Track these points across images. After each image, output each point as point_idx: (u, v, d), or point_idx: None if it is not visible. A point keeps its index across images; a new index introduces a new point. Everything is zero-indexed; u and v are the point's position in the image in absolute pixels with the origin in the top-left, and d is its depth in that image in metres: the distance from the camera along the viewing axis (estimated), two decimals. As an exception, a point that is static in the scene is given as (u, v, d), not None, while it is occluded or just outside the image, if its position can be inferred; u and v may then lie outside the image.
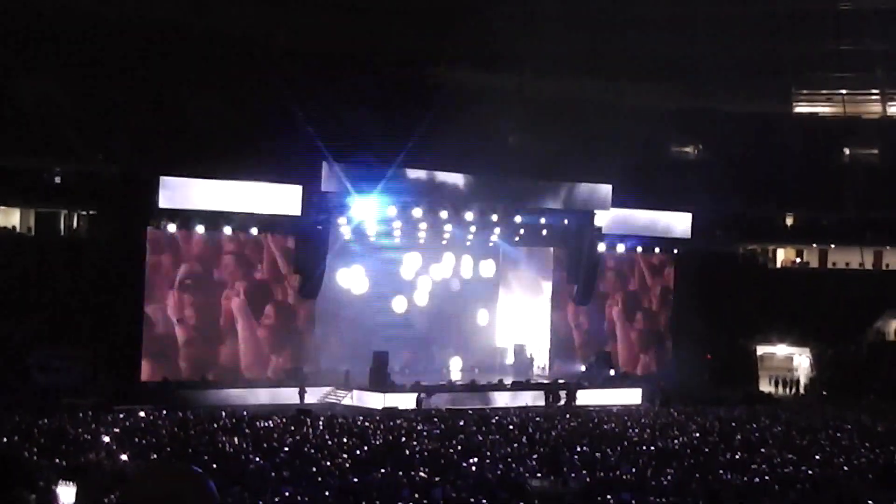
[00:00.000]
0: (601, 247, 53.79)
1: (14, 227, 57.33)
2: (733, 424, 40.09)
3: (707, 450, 31.83)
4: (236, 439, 30.41)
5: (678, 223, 57.22)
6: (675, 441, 34.20)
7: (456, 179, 49.97)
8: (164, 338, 46.59)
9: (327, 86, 57.49)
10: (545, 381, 51.80)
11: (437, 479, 23.50)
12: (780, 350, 62.64)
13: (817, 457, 30.75)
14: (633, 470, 26.47)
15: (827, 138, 70.65)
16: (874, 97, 73.42)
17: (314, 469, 24.73)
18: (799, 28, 67.82)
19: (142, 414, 36.36)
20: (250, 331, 48.36)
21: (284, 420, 36.89)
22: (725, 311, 58.02)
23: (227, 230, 47.09)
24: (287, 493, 20.46)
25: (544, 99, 65.18)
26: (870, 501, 21.71)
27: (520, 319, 57.07)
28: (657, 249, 57.25)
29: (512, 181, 51.80)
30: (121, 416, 35.68)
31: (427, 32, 62.80)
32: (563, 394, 49.44)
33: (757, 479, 25.66)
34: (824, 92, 73.94)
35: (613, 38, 66.86)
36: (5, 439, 25.15)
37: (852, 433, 37.66)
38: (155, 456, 25.49)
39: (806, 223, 69.02)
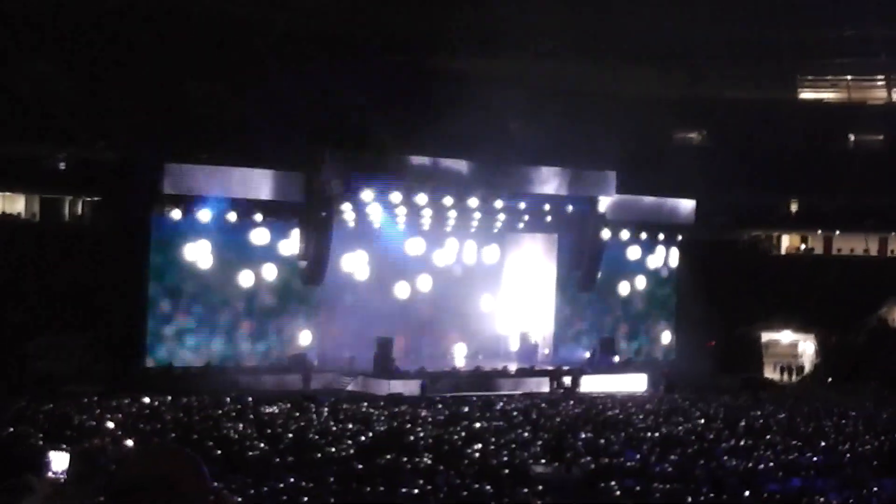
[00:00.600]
0: (605, 233, 53.71)
1: (19, 214, 57.44)
2: (737, 411, 40.10)
3: (711, 436, 31.83)
4: (240, 425, 30.44)
5: (682, 209, 57.17)
6: (679, 427, 34.21)
7: (459, 165, 49.92)
8: (169, 324, 46.67)
9: (330, 71, 57.39)
10: (549, 368, 51.79)
11: (441, 465, 23.51)
12: (785, 337, 62.61)
13: (822, 443, 30.75)
14: (637, 456, 26.46)
15: (831, 124, 70.49)
16: (879, 83, 73.30)
17: (318, 455, 24.75)
18: (803, 13, 67.61)
19: (146, 400, 36.31)
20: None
21: (289, 406, 36.93)
22: (729, 298, 57.95)
23: (232, 217, 47.00)
24: (291, 480, 20.47)
25: (547, 85, 65.05)
26: (874, 488, 21.69)
27: (524, 306, 57.03)
28: (661, 236, 57.10)
29: (515, 167, 51.76)
30: (125, 402, 35.67)
31: (430, 18, 62.67)
32: (566, 380, 49.48)
33: (761, 466, 25.65)
34: (829, 78, 73.82)
35: (616, 23, 66.69)
36: (11, 428, 25.15)
37: (857, 420, 37.65)
38: (158, 441, 25.48)
39: (810, 209, 68.95)
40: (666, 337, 58.22)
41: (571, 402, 42.57)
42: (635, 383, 51.79)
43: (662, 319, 58.38)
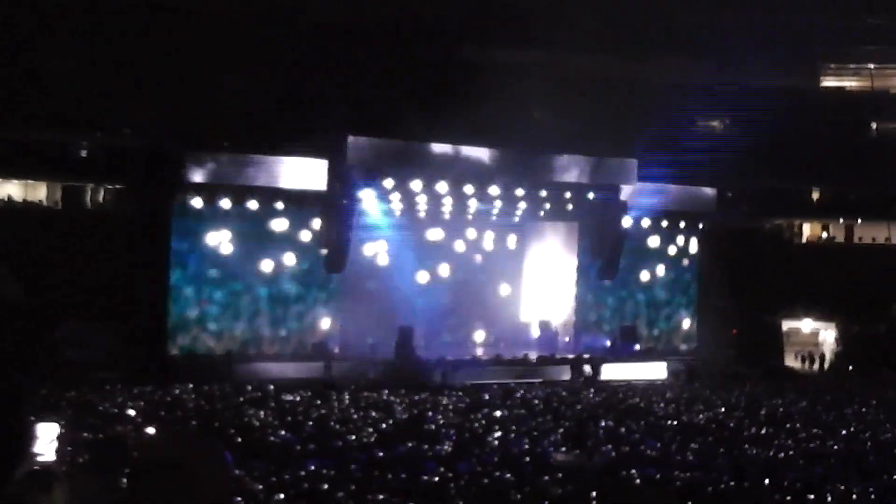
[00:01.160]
0: (626, 221, 53.61)
1: (41, 202, 57.69)
2: (758, 399, 40.07)
3: (732, 425, 31.84)
4: (262, 413, 30.57)
5: (704, 198, 56.99)
6: (700, 416, 34.22)
7: (481, 154, 49.86)
8: (191, 312, 46.83)
9: (354, 60, 57.45)
10: (570, 356, 51.77)
11: (461, 452, 23.58)
12: (806, 325, 62.48)
13: (843, 432, 30.73)
14: (658, 444, 26.49)
15: (854, 112, 70.26)
16: (903, 71, 73.04)
17: (340, 443, 24.85)
18: (826, 2, 67.38)
19: (168, 388, 36.44)
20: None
21: (310, 394, 37.04)
22: (751, 286, 57.83)
23: (254, 205, 47.06)
24: (312, 467, 20.56)
25: (570, 73, 64.95)
26: None
27: (545, 294, 57.01)
28: (682, 224, 56.93)
29: (537, 155, 51.68)
30: (148, 389, 35.83)
31: (455, 7, 62.66)
32: (587, 368, 49.47)
33: (782, 454, 25.66)
34: (852, 66, 73.54)
35: (640, 12, 66.58)
36: (32, 417, 25.32)
37: (878, 408, 37.59)
38: (180, 429, 25.63)
39: (832, 198, 68.71)
40: (687, 325, 58.10)
41: (592, 391, 42.58)
42: (656, 371, 51.75)
43: (683, 308, 58.21)
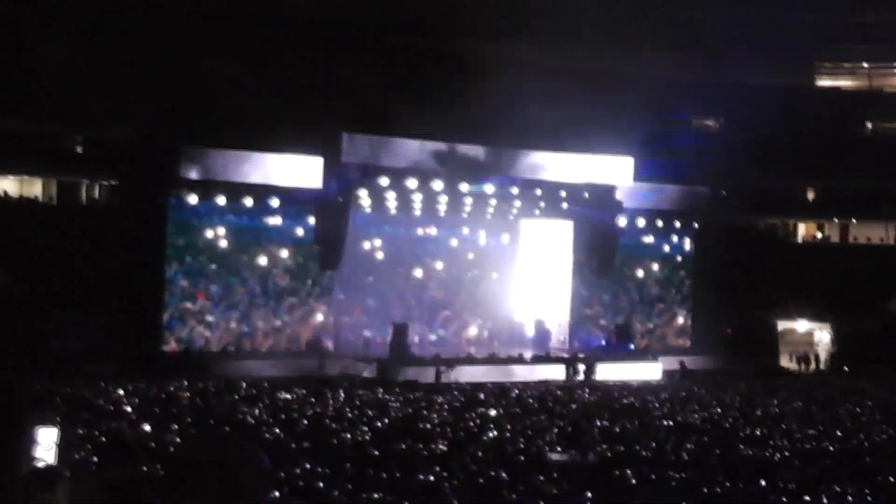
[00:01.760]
0: (621, 219, 53.59)
1: (36, 197, 57.63)
2: (753, 399, 40.07)
3: (726, 424, 31.84)
4: (256, 410, 30.51)
5: (698, 196, 56.98)
6: (695, 415, 34.21)
7: (476, 151, 49.81)
8: (185, 307, 46.81)
9: (348, 57, 57.39)
10: (565, 355, 51.76)
11: (456, 451, 23.55)
12: (801, 325, 62.51)
13: (838, 432, 30.72)
14: (653, 444, 26.47)
15: (849, 111, 70.31)
16: (897, 70, 73.09)
17: (334, 441, 24.80)
18: (821, 0, 67.40)
19: (162, 385, 36.38)
20: (270, 302, 48.61)
21: (304, 391, 36.99)
22: (745, 286, 57.87)
23: (249, 201, 47.02)
24: (306, 465, 20.51)
25: (564, 70, 64.87)
26: (891, 477, 21.67)
27: (539, 293, 56.98)
28: (677, 223, 56.91)
29: (532, 153, 51.62)
30: (141, 385, 35.76)
31: (448, 1, 62.57)
32: (582, 368, 49.45)
33: (777, 455, 25.66)
34: (846, 65, 73.56)
35: (634, 7, 66.57)
36: (31, 420, 25.29)
37: (873, 408, 37.60)
38: (176, 426, 25.56)
39: (827, 197, 68.79)
40: (681, 324, 58.11)
41: (587, 390, 42.57)
42: (651, 371, 51.72)
43: (678, 307, 58.26)
